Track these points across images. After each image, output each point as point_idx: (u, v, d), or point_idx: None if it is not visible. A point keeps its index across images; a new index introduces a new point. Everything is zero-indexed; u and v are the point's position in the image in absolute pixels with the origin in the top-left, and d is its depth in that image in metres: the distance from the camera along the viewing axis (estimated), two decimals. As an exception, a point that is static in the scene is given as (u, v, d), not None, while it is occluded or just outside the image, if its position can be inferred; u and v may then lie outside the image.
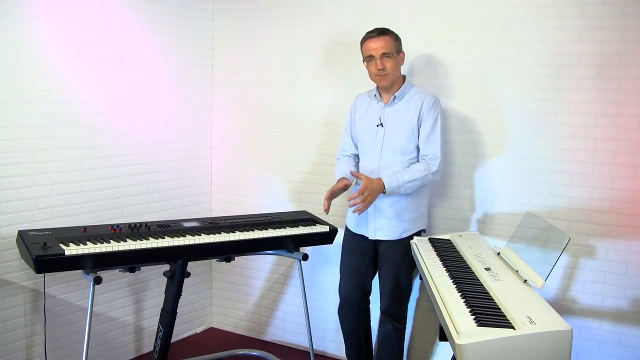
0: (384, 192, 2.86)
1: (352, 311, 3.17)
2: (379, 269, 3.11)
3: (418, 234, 3.06)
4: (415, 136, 2.97)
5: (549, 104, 3.00)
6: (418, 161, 2.96)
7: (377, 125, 3.03)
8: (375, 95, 3.08)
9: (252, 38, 3.82)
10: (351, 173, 2.96)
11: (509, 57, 3.07)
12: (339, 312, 3.21)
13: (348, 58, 3.44)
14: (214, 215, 4.00)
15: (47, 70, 3.03)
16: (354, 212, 2.86)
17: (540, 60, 3.00)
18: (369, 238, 3.07)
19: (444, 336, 2.14)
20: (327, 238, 3.22)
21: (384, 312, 3.09)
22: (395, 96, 3.00)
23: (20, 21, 2.90)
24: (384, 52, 2.91)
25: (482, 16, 3.12)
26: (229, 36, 3.91)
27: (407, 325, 3.20)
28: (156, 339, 3.07)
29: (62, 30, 3.08)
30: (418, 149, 2.99)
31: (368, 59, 2.97)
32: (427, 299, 3.34)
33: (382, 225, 3.02)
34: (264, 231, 3.07)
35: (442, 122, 2.99)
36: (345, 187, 3.02)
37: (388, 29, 2.97)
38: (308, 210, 3.52)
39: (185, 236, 2.87)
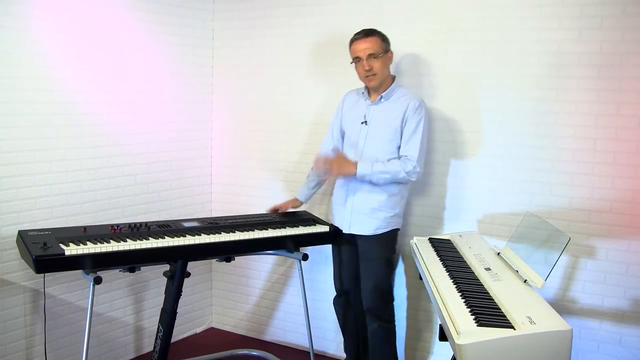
0: (355, 175, 2.94)
1: (347, 301, 3.19)
2: (360, 266, 3.13)
3: (392, 232, 3.08)
4: (398, 137, 2.99)
5: (549, 104, 3.00)
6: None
7: (362, 123, 3.06)
8: (363, 92, 3.12)
9: (252, 38, 3.82)
10: (333, 149, 3.22)
11: (509, 57, 3.07)
12: (334, 303, 3.22)
13: (348, 58, 3.43)
14: (214, 215, 3.99)
15: (47, 70, 3.03)
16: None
17: (540, 60, 3.00)
18: (344, 231, 3.12)
19: (444, 336, 2.14)
20: (327, 238, 3.21)
21: (367, 310, 3.11)
22: (382, 96, 3.03)
23: (20, 21, 2.90)
24: (370, 53, 2.94)
25: (482, 16, 3.12)
26: (229, 36, 3.91)
27: (406, 325, 3.20)
28: (156, 339, 3.07)
29: (62, 30, 3.08)
30: (399, 150, 3.00)
31: (356, 60, 3.01)
32: (427, 299, 3.34)
33: (356, 219, 3.06)
34: (264, 231, 3.07)
35: (426, 125, 3.00)
36: (293, 206, 3.32)
37: (374, 30, 3.00)
38: (308, 210, 3.52)
39: (185, 236, 2.87)
